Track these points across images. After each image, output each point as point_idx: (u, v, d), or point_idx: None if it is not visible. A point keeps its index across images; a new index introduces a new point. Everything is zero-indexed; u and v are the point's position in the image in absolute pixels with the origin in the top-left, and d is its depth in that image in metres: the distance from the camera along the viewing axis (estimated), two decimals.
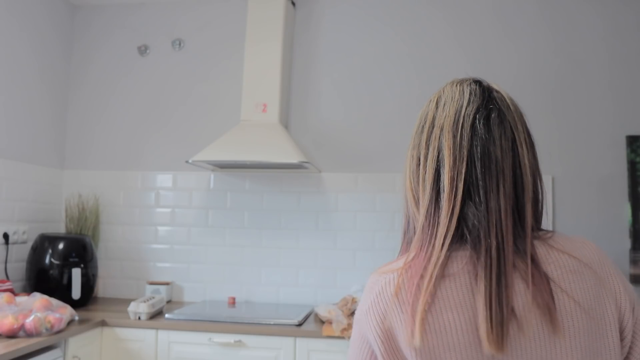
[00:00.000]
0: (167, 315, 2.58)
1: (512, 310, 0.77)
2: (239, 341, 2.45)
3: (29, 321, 2.12)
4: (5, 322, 2.09)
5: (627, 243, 2.79)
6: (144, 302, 2.56)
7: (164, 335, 2.50)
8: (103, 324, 2.53)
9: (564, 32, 2.95)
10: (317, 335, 2.40)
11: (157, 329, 2.51)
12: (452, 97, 0.93)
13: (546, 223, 2.87)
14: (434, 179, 0.86)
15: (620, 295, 0.81)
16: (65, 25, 3.29)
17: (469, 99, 0.90)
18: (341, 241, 3.01)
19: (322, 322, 2.56)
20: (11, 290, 2.55)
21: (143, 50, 3.27)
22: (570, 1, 2.96)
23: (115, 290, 3.18)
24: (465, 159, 0.84)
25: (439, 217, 0.84)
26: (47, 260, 2.75)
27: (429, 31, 3.06)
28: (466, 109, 0.88)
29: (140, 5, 3.31)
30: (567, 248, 0.82)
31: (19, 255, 2.87)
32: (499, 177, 0.83)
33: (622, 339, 0.81)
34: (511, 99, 0.92)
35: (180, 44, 3.25)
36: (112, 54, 3.32)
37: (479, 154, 0.84)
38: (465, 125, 0.86)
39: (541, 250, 0.82)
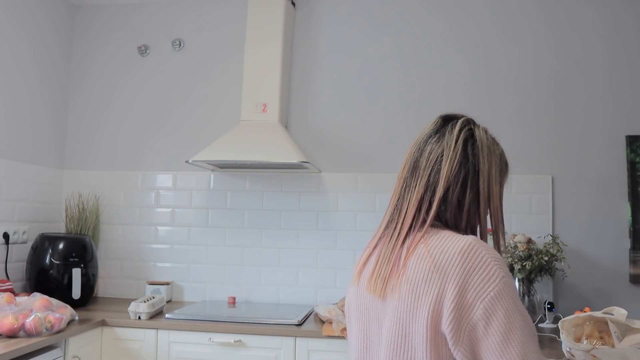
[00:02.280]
0: (167, 315, 2.58)
1: (387, 275, 1.07)
2: (239, 341, 2.45)
3: (29, 321, 2.12)
4: (6, 322, 2.09)
5: (627, 243, 2.79)
6: (144, 302, 2.56)
7: (164, 335, 2.50)
8: (103, 323, 2.53)
9: (563, 32, 2.95)
10: (317, 335, 2.41)
11: (157, 329, 2.51)
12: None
13: (546, 223, 2.87)
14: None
15: (442, 300, 0.97)
16: (65, 25, 3.29)
17: (430, 126, 1.17)
18: (341, 241, 3.01)
19: (322, 322, 2.56)
20: (11, 290, 2.55)
21: (143, 50, 3.27)
22: (570, 1, 2.96)
23: (115, 290, 3.18)
24: (404, 164, 1.16)
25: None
26: (47, 260, 2.75)
27: (429, 32, 3.06)
28: (425, 132, 1.17)
29: (140, 5, 3.31)
30: (431, 249, 1.03)
31: (19, 255, 2.87)
32: (417, 180, 1.12)
33: (450, 337, 0.96)
34: (462, 131, 1.13)
35: (180, 44, 3.25)
36: (112, 54, 3.32)
37: (410, 162, 1.15)
38: (418, 142, 1.17)
39: (420, 244, 1.05)
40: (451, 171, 1.09)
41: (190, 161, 2.80)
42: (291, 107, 3.14)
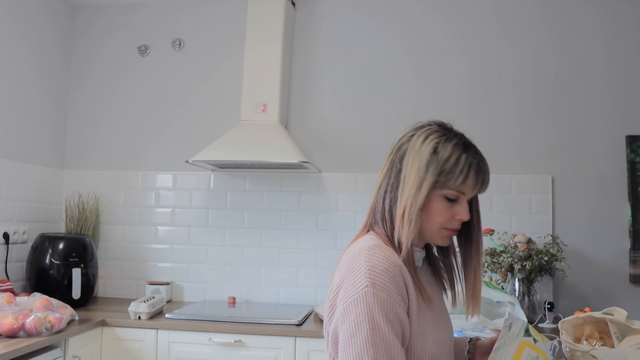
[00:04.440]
0: (167, 315, 2.58)
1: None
2: (239, 341, 2.45)
3: (29, 321, 2.12)
4: (6, 322, 2.09)
5: (627, 243, 2.79)
6: (144, 302, 2.56)
7: (164, 335, 2.50)
8: (103, 323, 2.53)
9: (563, 31, 2.95)
10: (317, 335, 2.41)
11: (157, 329, 2.51)
12: None
13: (546, 223, 2.87)
14: None
15: (331, 291, 1.11)
16: (65, 25, 3.29)
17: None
18: (341, 241, 3.01)
19: (322, 322, 2.56)
20: (11, 290, 2.55)
21: (143, 50, 3.27)
22: (570, 1, 2.96)
23: (115, 290, 3.18)
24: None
25: None
26: (47, 260, 2.75)
27: (429, 32, 3.06)
28: None
29: (140, 6, 3.31)
30: (346, 250, 1.17)
31: (19, 255, 2.87)
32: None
33: (325, 317, 1.12)
34: (401, 139, 1.20)
35: (180, 44, 3.25)
36: (112, 54, 3.32)
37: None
38: None
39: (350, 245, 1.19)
40: (382, 177, 1.19)
41: (190, 161, 2.80)
42: (291, 107, 3.14)
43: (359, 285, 1.03)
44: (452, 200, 1.13)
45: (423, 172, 1.11)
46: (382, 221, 1.16)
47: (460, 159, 1.12)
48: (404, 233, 1.10)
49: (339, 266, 1.14)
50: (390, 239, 1.14)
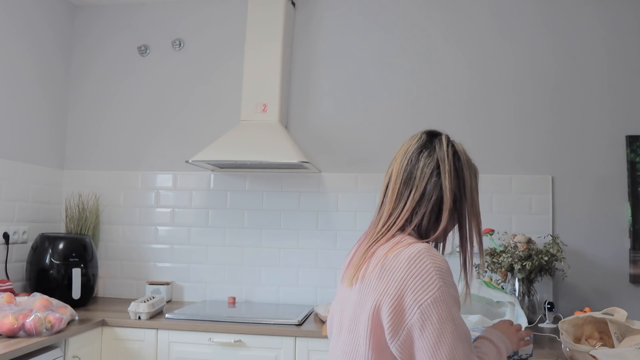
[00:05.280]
0: (167, 315, 2.58)
1: (358, 266, 1.22)
2: (239, 341, 2.45)
3: (29, 321, 2.12)
4: (6, 322, 2.10)
5: (627, 243, 2.79)
6: (144, 302, 2.56)
7: (164, 335, 2.50)
8: (103, 323, 2.53)
9: (562, 31, 2.95)
10: (317, 335, 2.41)
11: (157, 329, 2.51)
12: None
13: (546, 223, 2.87)
14: None
15: (383, 297, 1.11)
16: (65, 25, 3.29)
17: (415, 141, 1.32)
18: (341, 241, 3.01)
19: (322, 322, 2.57)
20: (11, 290, 2.55)
21: (143, 50, 3.27)
22: (569, 1, 2.96)
23: (115, 290, 3.18)
24: (394, 175, 1.28)
25: None
26: (47, 260, 2.75)
27: (428, 33, 3.06)
28: (413, 146, 1.31)
29: (140, 6, 3.31)
30: (389, 252, 1.16)
31: (19, 255, 2.87)
32: (411, 190, 1.25)
33: (388, 332, 1.10)
34: (449, 146, 1.28)
35: (180, 44, 3.25)
36: (112, 54, 3.32)
37: (402, 173, 1.27)
38: (408, 155, 1.30)
39: (382, 245, 1.20)
40: (450, 183, 1.22)
41: (190, 161, 2.80)
42: (291, 107, 3.14)
43: (433, 287, 1.08)
44: None
45: (476, 183, 1.29)
46: (448, 225, 1.24)
47: (476, 166, 1.32)
48: (481, 236, 1.27)
49: (384, 271, 1.14)
50: (421, 240, 1.23)
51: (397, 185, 1.25)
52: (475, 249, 1.29)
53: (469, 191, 1.25)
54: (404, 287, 1.09)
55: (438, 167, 1.23)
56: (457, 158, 1.26)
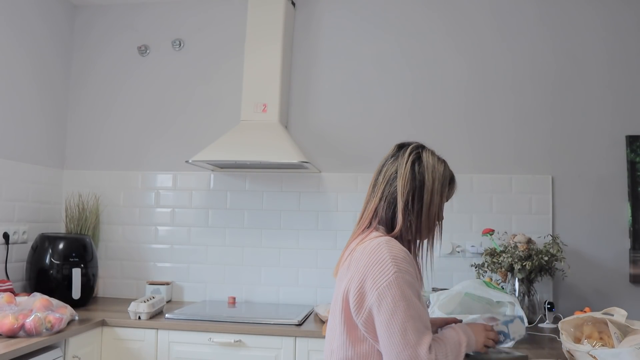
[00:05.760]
0: (167, 315, 2.58)
1: (341, 260, 1.47)
2: (239, 341, 2.45)
3: (29, 321, 2.12)
4: (6, 322, 2.09)
5: (627, 243, 2.79)
6: (144, 302, 2.56)
7: (164, 335, 2.50)
8: (103, 323, 2.53)
9: (563, 31, 2.95)
10: (317, 335, 2.41)
11: (157, 329, 2.51)
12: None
13: (546, 223, 2.87)
14: None
15: (351, 283, 1.34)
16: (65, 25, 3.29)
17: (388, 153, 1.52)
18: (341, 241, 3.01)
19: (322, 322, 2.57)
20: (11, 290, 2.55)
21: (143, 50, 3.27)
22: (569, 1, 2.96)
23: (115, 290, 3.18)
24: (371, 181, 1.51)
25: None
26: (47, 260, 2.75)
27: (427, 33, 3.06)
28: (384, 157, 1.52)
29: (140, 5, 3.31)
30: (358, 246, 1.40)
31: (19, 255, 2.87)
32: (376, 192, 1.47)
33: (354, 311, 1.34)
34: (411, 154, 1.46)
35: (180, 44, 3.25)
36: (112, 54, 3.32)
37: (373, 179, 1.50)
38: (379, 165, 1.52)
39: (355, 240, 1.45)
40: (403, 186, 1.40)
41: (190, 161, 2.80)
42: (291, 107, 3.14)
43: (388, 273, 1.28)
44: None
45: (441, 188, 1.43)
46: (405, 223, 1.40)
47: (453, 178, 1.49)
48: (432, 237, 1.44)
49: (352, 261, 1.38)
50: (399, 237, 1.41)
51: (369, 189, 1.49)
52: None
53: (428, 193, 1.41)
54: (366, 273, 1.31)
55: (397, 171, 1.43)
56: (418, 163, 1.43)
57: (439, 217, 1.45)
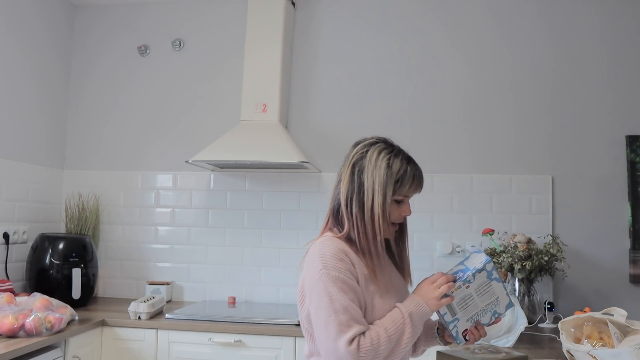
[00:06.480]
0: (167, 315, 2.58)
1: None
2: (239, 341, 2.45)
3: (29, 321, 2.12)
4: (6, 322, 2.09)
5: (627, 243, 2.79)
6: (144, 302, 2.56)
7: (164, 335, 2.50)
8: (103, 323, 2.53)
9: (562, 31, 2.95)
10: None
11: (157, 329, 2.51)
12: None
13: (546, 223, 2.87)
14: None
15: (299, 281, 1.41)
16: (66, 24, 3.29)
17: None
18: None
19: None
20: (11, 290, 2.55)
21: (143, 50, 3.27)
22: (569, 0, 2.96)
23: (115, 290, 3.18)
24: None
25: None
26: (47, 260, 2.75)
27: (427, 34, 3.06)
28: None
29: (140, 6, 3.31)
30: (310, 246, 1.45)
31: (19, 255, 2.87)
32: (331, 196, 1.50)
33: (299, 307, 1.42)
34: (354, 155, 1.47)
35: (180, 44, 3.25)
36: (112, 54, 3.32)
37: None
38: None
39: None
40: (345, 189, 1.42)
41: (190, 161, 2.80)
42: (291, 107, 3.14)
43: (315, 271, 1.34)
44: (400, 202, 1.43)
45: (383, 184, 1.38)
46: (349, 224, 1.40)
47: (407, 171, 1.41)
48: (377, 234, 1.38)
49: (303, 262, 1.44)
50: (348, 237, 1.41)
51: (342, 193, 1.47)
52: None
53: (369, 195, 1.38)
54: (304, 273, 1.39)
55: (341, 173, 1.46)
56: (359, 164, 1.42)
57: (384, 217, 1.38)
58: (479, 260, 1.41)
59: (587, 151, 2.88)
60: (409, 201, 1.47)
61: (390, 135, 1.58)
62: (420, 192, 1.47)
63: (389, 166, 1.40)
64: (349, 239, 1.41)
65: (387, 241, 1.50)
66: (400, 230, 1.52)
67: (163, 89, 3.26)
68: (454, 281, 1.38)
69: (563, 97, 2.92)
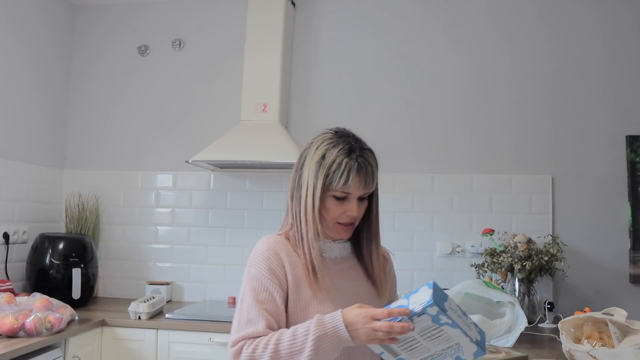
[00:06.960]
0: (167, 315, 2.58)
1: None
2: None
3: (29, 321, 2.12)
4: (6, 322, 2.09)
5: (627, 243, 2.79)
6: (144, 302, 2.56)
7: (164, 335, 2.50)
8: (103, 323, 2.53)
9: (563, 31, 2.95)
10: None
11: (157, 329, 2.51)
12: None
13: (546, 223, 2.87)
14: None
15: None
16: (66, 25, 3.29)
17: None
18: None
19: None
20: (11, 290, 2.55)
21: (143, 50, 3.27)
22: (569, 1, 2.96)
23: (115, 290, 3.18)
24: None
25: None
26: (47, 260, 2.75)
27: (427, 34, 3.06)
28: None
29: (140, 5, 3.31)
30: None
31: (19, 255, 2.87)
32: None
33: None
34: (309, 143, 1.37)
35: (180, 44, 3.25)
36: (112, 54, 3.32)
37: None
38: None
39: None
40: (291, 183, 1.36)
41: (190, 161, 2.80)
42: (291, 107, 3.14)
43: (247, 268, 1.32)
44: (342, 199, 1.29)
45: (314, 177, 1.28)
46: (291, 220, 1.34)
47: (341, 164, 1.27)
48: (309, 230, 1.28)
49: None
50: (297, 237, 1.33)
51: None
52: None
53: (304, 189, 1.29)
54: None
55: (297, 166, 1.37)
56: (303, 157, 1.34)
57: (314, 213, 1.27)
58: (424, 299, 1.08)
59: (587, 151, 2.88)
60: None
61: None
62: (368, 189, 1.31)
63: (323, 157, 1.28)
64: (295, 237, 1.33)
65: (356, 245, 1.40)
66: (368, 234, 1.38)
67: (163, 89, 3.26)
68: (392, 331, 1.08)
69: (563, 97, 2.92)
